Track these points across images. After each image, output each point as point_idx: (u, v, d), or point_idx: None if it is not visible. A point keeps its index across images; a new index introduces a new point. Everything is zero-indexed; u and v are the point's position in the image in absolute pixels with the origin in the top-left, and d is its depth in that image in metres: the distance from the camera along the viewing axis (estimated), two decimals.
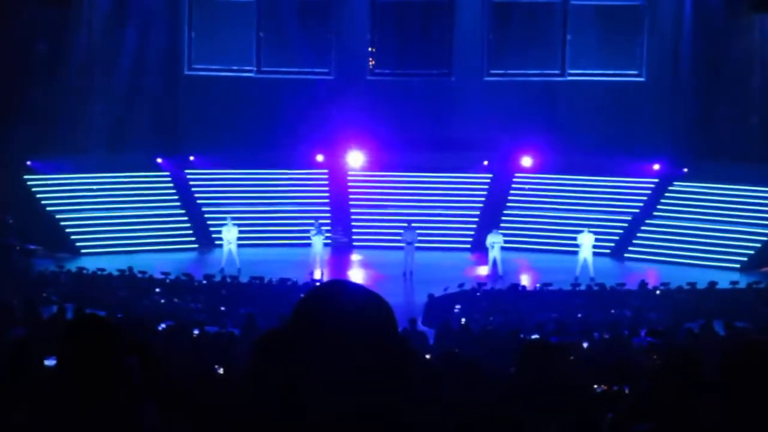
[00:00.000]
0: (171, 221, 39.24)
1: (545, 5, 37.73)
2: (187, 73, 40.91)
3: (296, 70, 38.61)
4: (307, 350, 2.90)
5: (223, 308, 27.85)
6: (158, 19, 40.56)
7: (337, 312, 2.93)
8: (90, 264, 33.10)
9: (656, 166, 40.33)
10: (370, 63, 37.94)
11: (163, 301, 28.28)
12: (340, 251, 38.50)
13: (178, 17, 40.72)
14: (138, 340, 6.85)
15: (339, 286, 3.03)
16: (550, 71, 38.17)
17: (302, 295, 3.02)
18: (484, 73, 37.91)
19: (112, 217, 38.28)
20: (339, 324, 2.91)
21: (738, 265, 35.82)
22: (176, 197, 40.41)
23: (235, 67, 40.53)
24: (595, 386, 8.14)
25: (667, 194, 39.58)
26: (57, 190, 38.89)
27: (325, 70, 38.05)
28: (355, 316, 2.92)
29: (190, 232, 39.26)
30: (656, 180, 40.20)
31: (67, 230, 37.63)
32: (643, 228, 38.54)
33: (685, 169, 39.61)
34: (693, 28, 39.53)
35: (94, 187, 39.05)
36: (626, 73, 38.42)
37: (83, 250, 37.00)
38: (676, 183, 39.68)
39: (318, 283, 3.09)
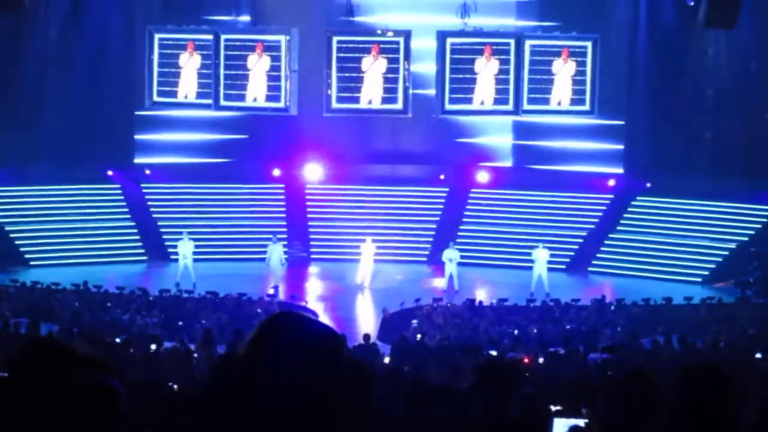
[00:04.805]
0: (120, 234, 39.02)
1: (499, 43, 37.52)
2: (145, 108, 39.49)
3: (254, 107, 38.12)
4: (259, 380, 2.95)
5: (180, 323, 27.74)
6: (113, 37, 40.08)
7: (287, 346, 2.98)
8: (39, 276, 32.90)
9: (611, 182, 40.66)
10: (328, 97, 37.38)
11: (126, 316, 28.05)
12: (297, 264, 38.45)
13: (134, 48, 39.81)
14: (92, 356, 6.79)
15: (290, 319, 3.07)
16: (503, 108, 37.83)
17: (256, 327, 3.06)
18: (439, 111, 37.79)
19: (62, 230, 38.05)
20: (288, 357, 2.96)
21: (700, 279, 36.19)
22: (126, 210, 40.20)
23: (194, 102, 39.05)
24: (551, 407, 8.18)
25: (630, 209, 39.82)
26: (5, 201, 38.61)
27: (283, 107, 37.66)
28: (304, 351, 2.97)
29: (140, 244, 39.08)
30: (611, 196, 40.47)
31: (16, 242, 37.38)
32: (606, 242, 38.78)
33: (648, 184, 39.91)
34: (648, 46, 39.84)
35: (44, 200, 38.88)
36: (578, 110, 38.06)
37: (32, 263, 36.80)
38: (639, 198, 39.93)
39: (270, 316, 3.12)
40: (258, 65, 37.07)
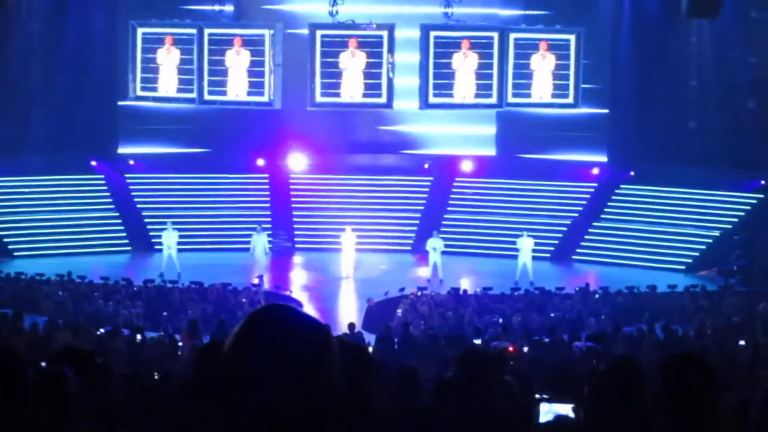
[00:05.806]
0: (104, 224, 38.96)
1: (483, 36, 37.25)
2: (128, 99, 38.55)
3: (238, 101, 37.77)
4: (245, 373, 2.95)
5: (165, 313, 27.73)
6: (97, 29, 39.85)
7: (273, 338, 2.98)
8: (23, 267, 32.84)
9: (595, 170, 40.69)
10: (312, 91, 37.01)
11: (110, 309, 28.00)
12: (282, 254, 38.43)
13: (117, 39, 39.48)
14: (77, 348, 6.81)
15: (277, 312, 3.07)
16: (487, 101, 37.53)
17: (242, 320, 3.06)
18: (422, 104, 37.47)
19: (45, 220, 37.95)
20: (275, 350, 2.96)
21: (683, 267, 36.30)
22: (110, 200, 40.11)
23: (176, 96, 38.43)
24: (537, 395, 8.21)
25: (614, 197, 39.91)
26: None
27: (267, 101, 37.35)
28: (291, 343, 2.97)
29: (124, 235, 39.04)
30: (595, 184, 40.52)
31: (0, 233, 37.31)
32: (590, 231, 38.86)
33: (632, 173, 39.96)
34: (631, 35, 39.82)
35: (28, 190, 38.75)
36: (561, 102, 37.71)
37: (16, 253, 36.74)
38: (623, 186, 39.98)
39: (257, 309, 3.12)
40: (236, 60, 36.85)
